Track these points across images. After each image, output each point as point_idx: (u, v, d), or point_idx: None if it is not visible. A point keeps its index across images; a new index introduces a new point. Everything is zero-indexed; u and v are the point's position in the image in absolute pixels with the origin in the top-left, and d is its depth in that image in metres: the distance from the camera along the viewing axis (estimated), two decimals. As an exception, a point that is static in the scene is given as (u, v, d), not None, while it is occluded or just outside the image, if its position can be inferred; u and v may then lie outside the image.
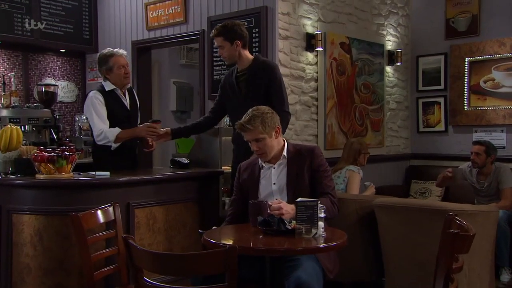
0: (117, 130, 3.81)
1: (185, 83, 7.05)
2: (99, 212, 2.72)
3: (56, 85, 5.97)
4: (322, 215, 2.36)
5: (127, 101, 4.01)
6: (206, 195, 3.97)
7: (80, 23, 6.15)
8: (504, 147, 5.52)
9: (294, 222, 2.47)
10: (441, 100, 5.99)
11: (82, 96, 6.50)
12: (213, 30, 3.72)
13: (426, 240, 3.60)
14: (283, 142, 3.02)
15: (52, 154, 3.36)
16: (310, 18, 4.87)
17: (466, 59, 5.77)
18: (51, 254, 3.30)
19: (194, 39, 5.24)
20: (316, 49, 4.85)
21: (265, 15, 4.56)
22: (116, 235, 2.78)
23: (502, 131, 5.60)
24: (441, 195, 5.61)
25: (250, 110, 2.94)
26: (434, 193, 5.64)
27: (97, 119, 3.82)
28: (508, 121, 5.52)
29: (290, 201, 2.82)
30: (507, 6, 5.51)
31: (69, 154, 3.41)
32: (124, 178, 3.54)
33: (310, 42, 4.82)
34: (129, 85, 4.04)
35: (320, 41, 4.80)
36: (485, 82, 5.68)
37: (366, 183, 4.70)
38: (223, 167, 4.11)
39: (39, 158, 3.34)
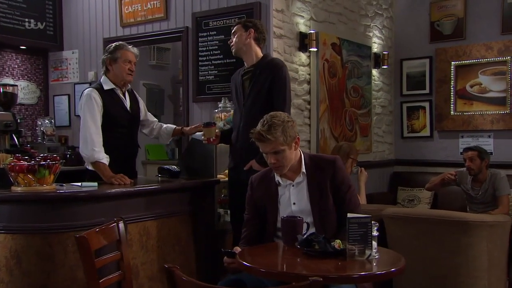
0: (103, 158, 3.30)
1: (155, 86, 6.60)
2: (104, 230, 2.31)
3: (16, 85, 5.41)
4: (375, 233, 2.06)
5: (127, 103, 3.55)
6: (200, 207, 3.59)
7: (43, 17, 5.60)
8: (491, 153, 5.41)
9: (338, 241, 2.15)
10: (426, 104, 5.86)
11: (44, 98, 5.96)
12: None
13: (443, 254, 3.37)
14: (299, 153, 2.70)
15: (33, 163, 2.89)
16: (303, 17, 4.59)
17: (452, 63, 5.66)
18: (31, 279, 2.82)
19: (176, 37, 4.84)
20: (310, 49, 4.57)
21: (258, 11, 4.24)
22: (121, 258, 2.38)
23: (489, 136, 5.52)
24: (430, 202, 5.45)
25: (268, 116, 2.57)
26: (423, 200, 5.47)
27: (91, 126, 3.31)
28: (496, 126, 5.44)
29: (317, 226, 2.50)
30: (494, 9, 5.43)
31: (52, 163, 2.95)
32: (115, 190, 3.10)
33: (303, 42, 4.54)
34: (129, 86, 3.60)
35: (314, 41, 4.53)
36: (471, 86, 5.58)
37: (353, 168, 4.48)
38: (218, 176, 3.76)
39: (16, 168, 2.87)
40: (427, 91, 5.85)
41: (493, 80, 5.45)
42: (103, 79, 3.48)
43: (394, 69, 6.02)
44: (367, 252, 2.02)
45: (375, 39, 5.66)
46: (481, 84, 5.52)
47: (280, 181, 2.68)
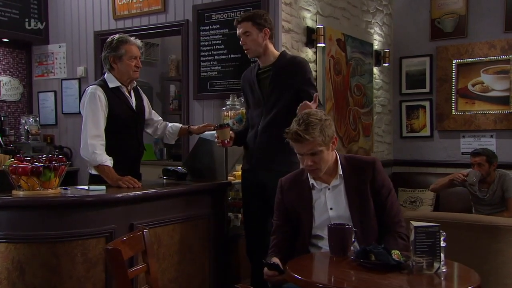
0: (107, 160, 3.04)
1: (144, 83, 6.29)
2: (130, 240, 2.06)
3: (-1, 81, 5.07)
4: (443, 244, 1.86)
5: (132, 101, 3.27)
6: (212, 211, 3.35)
7: (27, 7, 5.25)
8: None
9: (397, 252, 1.95)
10: (426, 103, 5.74)
11: (28, 94, 5.60)
12: (238, 17, 3.17)
13: (471, 261, 3.20)
14: (335, 154, 2.50)
15: (37, 164, 2.61)
16: (310, 11, 4.39)
17: (454, 61, 5.55)
18: (36, 293, 2.56)
19: (174, 30, 4.57)
20: (318, 44, 4.37)
21: (266, 4, 4.02)
22: (148, 270, 2.14)
23: (491, 136, 5.42)
24: (433, 204, 5.33)
25: (304, 115, 2.36)
26: (425, 201, 5.34)
27: (91, 128, 3.03)
28: (499, 126, 5.35)
29: (358, 234, 2.27)
30: (497, 7, 5.34)
31: (58, 165, 2.67)
32: (126, 194, 2.84)
33: (310, 37, 4.34)
34: (134, 83, 3.32)
35: (322, 36, 4.33)
36: (473, 85, 5.48)
37: None
38: (229, 178, 3.53)
39: (19, 170, 2.59)
40: (427, 90, 5.73)
41: (496, 79, 5.36)
42: (107, 76, 3.20)
43: (393, 67, 5.88)
44: (436, 265, 1.83)
45: (376, 36, 5.51)
46: (484, 83, 5.43)
47: (315, 184, 2.47)
